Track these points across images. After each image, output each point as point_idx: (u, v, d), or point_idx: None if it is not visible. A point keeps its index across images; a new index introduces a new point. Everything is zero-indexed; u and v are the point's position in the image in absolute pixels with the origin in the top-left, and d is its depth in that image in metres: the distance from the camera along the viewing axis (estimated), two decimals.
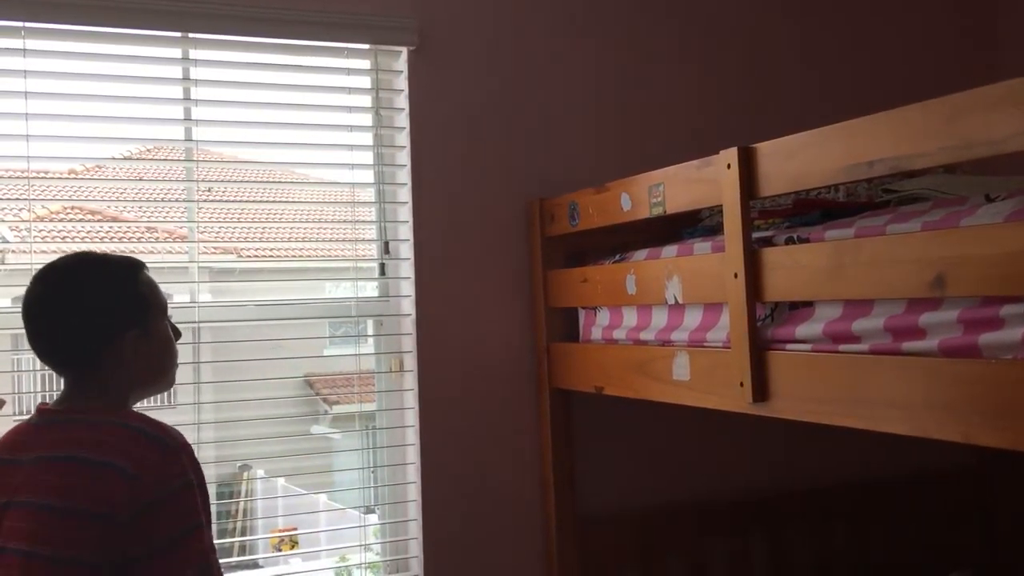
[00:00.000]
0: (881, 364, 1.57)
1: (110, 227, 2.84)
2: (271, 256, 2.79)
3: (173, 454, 1.49)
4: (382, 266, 2.67)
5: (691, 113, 2.97)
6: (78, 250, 1.76)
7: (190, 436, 2.24)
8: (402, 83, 2.66)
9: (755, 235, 1.91)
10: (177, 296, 2.60)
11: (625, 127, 2.89)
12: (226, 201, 2.64)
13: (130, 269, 1.65)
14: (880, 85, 3.13)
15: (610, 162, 2.68)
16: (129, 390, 1.62)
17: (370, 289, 2.70)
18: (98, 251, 1.77)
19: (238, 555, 2.73)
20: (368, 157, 2.68)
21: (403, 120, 2.66)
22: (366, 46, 2.65)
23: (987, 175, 2.35)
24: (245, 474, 3.87)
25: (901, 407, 1.53)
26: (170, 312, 1.71)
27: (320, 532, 3.24)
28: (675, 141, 2.73)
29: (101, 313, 1.58)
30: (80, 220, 2.98)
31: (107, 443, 1.49)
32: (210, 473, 2.39)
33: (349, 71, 2.66)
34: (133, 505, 1.43)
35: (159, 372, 1.67)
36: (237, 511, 3.97)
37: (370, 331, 2.71)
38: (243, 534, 3.80)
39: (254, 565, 2.86)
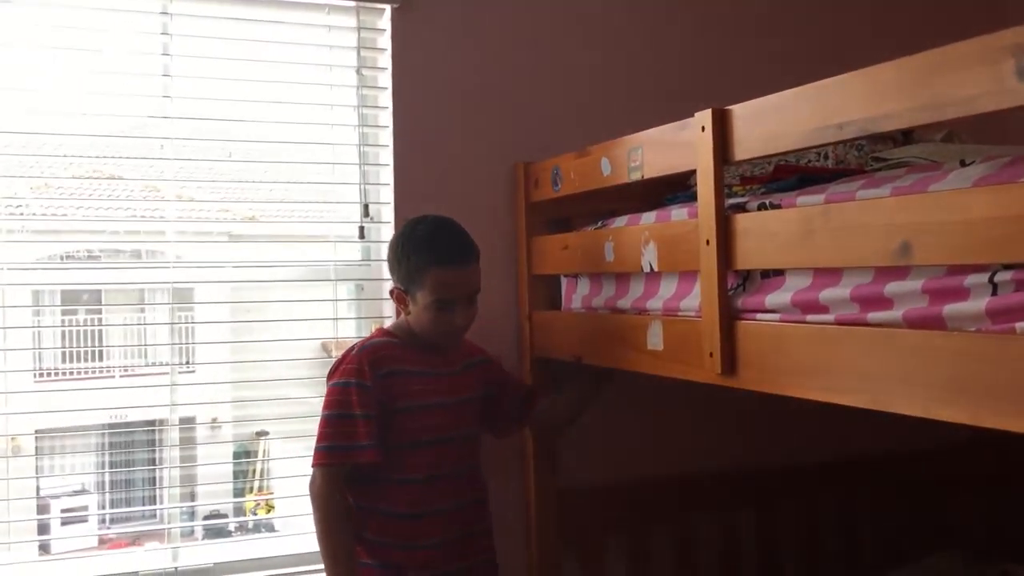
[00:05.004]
0: (844, 335, 1.50)
1: (108, 185, 2.79)
2: (253, 219, 2.73)
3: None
4: (362, 229, 2.62)
5: (681, 76, 2.88)
6: None
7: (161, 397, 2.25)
8: (385, 42, 2.60)
9: (730, 201, 1.84)
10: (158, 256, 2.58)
11: (614, 90, 2.81)
12: (200, 160, 2.56)
13: None
14: (867, 43, 3.01)
15: (599, 125, 2.59)
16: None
17: (353, 252, 2.66)
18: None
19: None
20: (351, 117, 2.62)
21: (386, 80, 2.60)
22: (350, 3, 2.58)
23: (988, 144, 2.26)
24: (262, 439, 3.85)
25: (862, 379, 1.46)
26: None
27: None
28: (663, 104, 2.62)
29: None
30: (89, 178, 2.94)
31: None
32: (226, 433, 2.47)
33: (331, 28, 2.60)
34: None
35: None
36: (254, 472, 3.95)
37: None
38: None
39: (271, 527, 2.85)
